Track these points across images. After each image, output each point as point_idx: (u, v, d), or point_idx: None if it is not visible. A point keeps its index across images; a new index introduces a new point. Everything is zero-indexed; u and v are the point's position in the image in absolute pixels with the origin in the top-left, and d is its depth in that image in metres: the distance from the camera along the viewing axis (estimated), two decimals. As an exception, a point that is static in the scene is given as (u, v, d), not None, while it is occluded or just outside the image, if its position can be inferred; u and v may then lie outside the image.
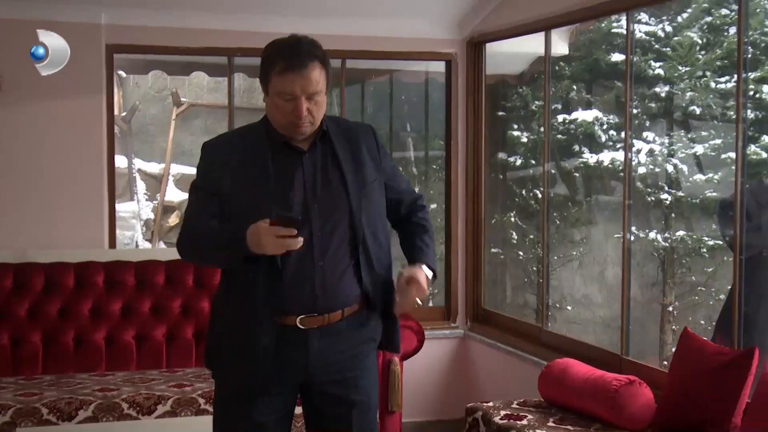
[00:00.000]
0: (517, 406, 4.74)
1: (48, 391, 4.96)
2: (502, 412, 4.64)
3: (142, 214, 8.63)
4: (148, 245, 8.32)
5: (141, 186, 8.68)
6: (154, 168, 8.78)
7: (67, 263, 5.67)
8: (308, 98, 3.19)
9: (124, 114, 8.69)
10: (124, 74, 8.18)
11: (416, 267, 3.27)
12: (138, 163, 8.66)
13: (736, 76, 4.70)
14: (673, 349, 4.39)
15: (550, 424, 4.45)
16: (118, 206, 6.73)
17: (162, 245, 8.32)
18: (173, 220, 8.60)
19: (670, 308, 7.62)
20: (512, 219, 7.89)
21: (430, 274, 3.28)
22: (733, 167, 4.70)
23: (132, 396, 4.91)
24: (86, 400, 4.85)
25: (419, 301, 3.25)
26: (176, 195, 8.68)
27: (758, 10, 7.00)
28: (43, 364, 5.46)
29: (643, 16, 7.27)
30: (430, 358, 6.20)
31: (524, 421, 4.48)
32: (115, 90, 7.09)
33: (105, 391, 4.97)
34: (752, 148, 7.02)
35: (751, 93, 7.16)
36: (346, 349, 3.26)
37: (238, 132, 3.58)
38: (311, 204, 3.20)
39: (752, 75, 7.16)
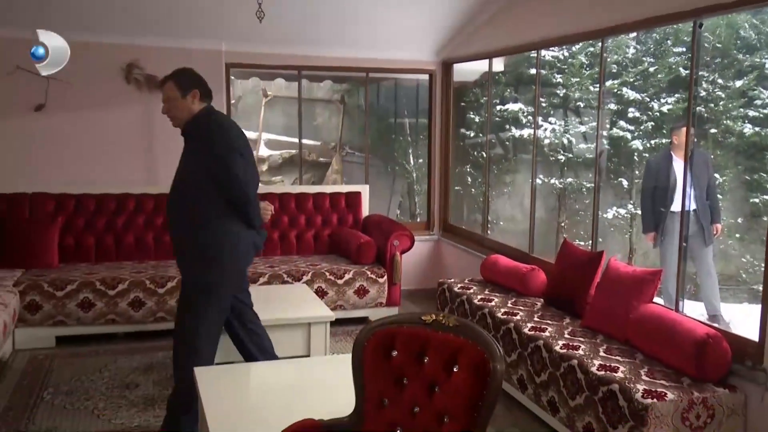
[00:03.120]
0: (467, 282, 4.92)
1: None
2: (459, 285, 4.84)
3: (244, 163, 8.68)
4: (248, 182, 8.43)
5: (244, 146, 8.70)
6: (251, 135, 8.60)
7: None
8: (165, 101, 3.24)
9: (233, 102, 8.64)
10: (233, 78, 8.19)
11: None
12: (241, 132, 8.61)
13: (599, 84, 4.86)
14: (560, 250, 4.59)
15: (486, 292, 4.64)
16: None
17: (258, 185, 8.41)
18: (264, 166, 8.54)
19: (563, 224, 7.84)
20: (468, 169, 7.92)
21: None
22: (600, 138, 4.79)
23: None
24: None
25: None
26: (266, 152, 8.61)
27: (619, 45, 7.16)
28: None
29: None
30: (418, 252, 6.29)
31: (471, 290, 4.69)
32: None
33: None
34: (614, 130, 7.23)
35: (616, 91, 7.35)
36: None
37: None
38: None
39: (617, 81, 7.33)
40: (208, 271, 3.18)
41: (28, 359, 4.55)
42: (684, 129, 5.17)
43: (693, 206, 4.96)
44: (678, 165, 5.02)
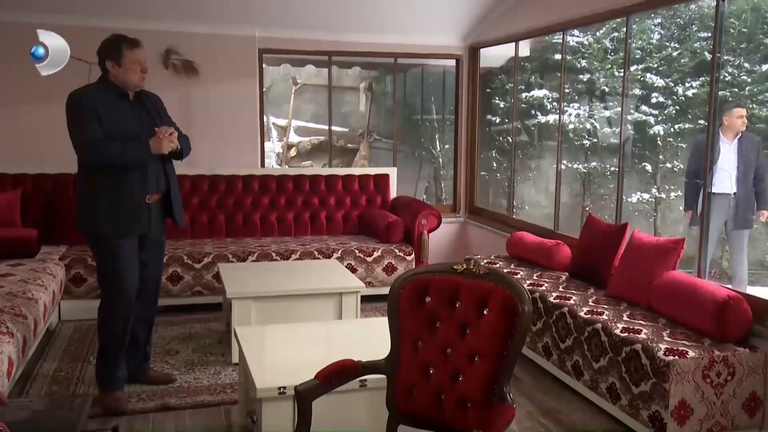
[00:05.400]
0: (493, 258, 5.02)
1: (231, 246, 5.32)
2: (485, 261, 4.94)
3: (275, 149, 8.63)
4: (278, 167, 8.35)
5: (274, 132, 8.64)
6: (281, 122, 8.75)
7: (237, 175, 5.88)
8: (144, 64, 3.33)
9: (264, 90, 8.73)
10: (265, 65, 8.25)
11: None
12: (272, 119, 8.62)
13: (623, 69, 4.87)
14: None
15: (512, 266, 4.73)
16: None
17: (287, 167, 8.34)
18: (293, 152, 8.57)
19: (587, 208, 7.83)
20: (493, 155, 7.93)
21: (176, 144, 3.36)
22: (624, 123, 4.79)
23: (278, 249, 5.26)
24: (252, 251, 5.19)
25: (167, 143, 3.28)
26: (295, 138, 8.66)
27: (644, 30, 7.14)
28: (225, 231, 5.70)
29: (575, 32, 7.37)
30: (445, 233, 6.39)
31: (497, 265, 4.79)
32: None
33: (261, 246, 5.32)
34: (638, 115, 7.20)
35: (639, 78, 7.32)
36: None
37: (95, 87, 3.36)
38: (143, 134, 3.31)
39: (641, 66, 7.30)
40: None
41: (74, 329, 4.74)
42: (735, 110, 5.11)
43: (734, 189, 4.95)
44: (725, 146, 5.02)
